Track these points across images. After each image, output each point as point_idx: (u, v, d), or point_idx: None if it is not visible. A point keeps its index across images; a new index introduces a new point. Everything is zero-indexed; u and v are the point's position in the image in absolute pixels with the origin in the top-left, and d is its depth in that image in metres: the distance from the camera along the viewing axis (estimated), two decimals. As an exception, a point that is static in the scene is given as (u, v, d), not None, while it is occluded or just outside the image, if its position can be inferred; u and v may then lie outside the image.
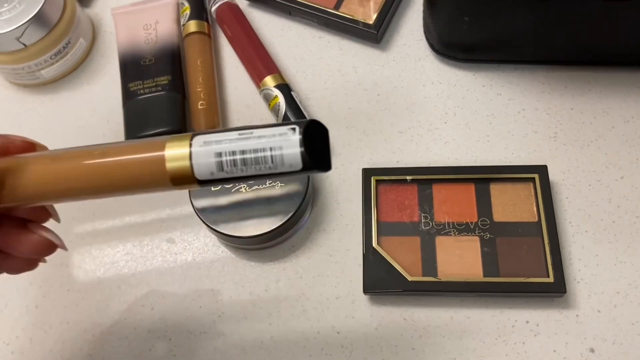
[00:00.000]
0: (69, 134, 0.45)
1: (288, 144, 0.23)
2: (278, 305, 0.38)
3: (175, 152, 0.24)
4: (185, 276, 0.39)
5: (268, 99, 0.43)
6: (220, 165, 0.23)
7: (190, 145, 0.24)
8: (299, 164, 0.23)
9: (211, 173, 0.24)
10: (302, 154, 0.23)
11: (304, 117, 0.42)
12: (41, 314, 0.39)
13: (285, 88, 0.43)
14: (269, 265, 0.39)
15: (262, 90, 0.43)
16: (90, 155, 0.25)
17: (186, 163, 0.24)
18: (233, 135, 0.24)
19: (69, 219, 0.42)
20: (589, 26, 0.39)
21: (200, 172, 0.24)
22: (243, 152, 0.23)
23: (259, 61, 0.45)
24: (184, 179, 0.24)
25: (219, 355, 0.37)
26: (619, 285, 0.37)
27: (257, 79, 0.44)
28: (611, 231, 0.38)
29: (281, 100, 0.42)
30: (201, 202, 0.38)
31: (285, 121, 0.26)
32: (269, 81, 0.43)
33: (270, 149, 0.23)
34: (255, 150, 0.23)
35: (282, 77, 0.44)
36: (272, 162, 0.23)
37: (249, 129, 0.24)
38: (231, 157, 0.23)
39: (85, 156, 0.25)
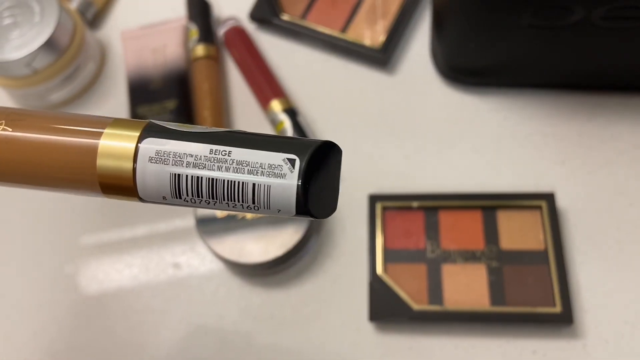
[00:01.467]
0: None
1: (279, 183, 0.17)
2: (283, 332, 0.38)
3: (114, 145, 0.16)
4: (190, 301, 0.40)
5: (275, 123, 0.43)
6: (177, 191, 0.17)
7: (139, 140, 0.16)
8: (291, 210, 0.17)
9: (163, 197, 0.17)
10: (297, 199, 0.17)
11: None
12: (48, 340, 0.39)
13: (291, 112, 0.43)
14: (274, 292, 0.39)
15: (269, 114, 0.44)
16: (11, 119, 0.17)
17: (127, 165, 0.17)
18: (201, 150, 0.17)
19: (76, 243, 0.42)
20: (596, 52, 0.39)
21: (145, 193, 0.17)
22: (212, 180, 0.17)
23: (266, 85, 0.45)
24: (121, 188, 0.17)
25: (223, 383, 0.37)
26: (627, 314, 0.36)
27: (264, 102, 0.45)
28: (620, 259, 0.38)
29: (287, 124, 0.43)
30: (206, 228, 0.38)
31: (283, 137, 0.19)
32: (275, 105, 0.44)
33: (253, 185, 0.17)
34: (231, 183, 0.17)
35: (288, 101, 0.44)
36: (254, 201, 0.17)
37: (232, 140, 0.17)
38: (193, 185, 0.17)
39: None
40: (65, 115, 0.18)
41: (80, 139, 0.16)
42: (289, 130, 0.42)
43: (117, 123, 0.17)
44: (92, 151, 0.16)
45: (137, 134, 0.17)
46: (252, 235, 0.38)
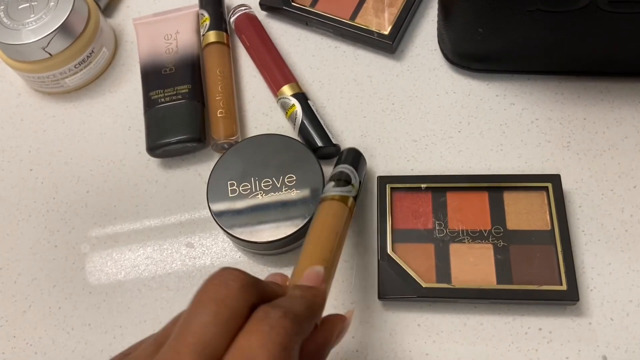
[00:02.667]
0: (91, 141, 0.46)
1: None
2: (294, 309, 0.39)
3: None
4: (203, 280, 0.40)
5: (285, 107, 0.44)
6: None
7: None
8: None
9: None
10: None
11: (320, 126, 0.43)
12: (64, 316, 0.40)
13: (302, 97, 0.44)
14: (285, 270, 0.40)
15: (279, 99, 0.44)
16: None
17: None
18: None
19: (91, 223, 0.43)
20: (602, 37, 0.39)
21: None
22: None
23: (276, 70, 0.46)
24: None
25: None
26: (631, 293, 0.37)
27: (275, 87, 0.45)
28: (624, 240, 0.39)
29: (298, 109, 0.43)
30: (218, 207, 0.39)
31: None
32: (286, 90, 0.44)
33: None
34: None
35: (298, 86, 0.45)
36: None
37: None
38: None
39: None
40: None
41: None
42: (299, 114, 0.43)
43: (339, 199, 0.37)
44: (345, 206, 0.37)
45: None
46: (263, 215, 0.38)
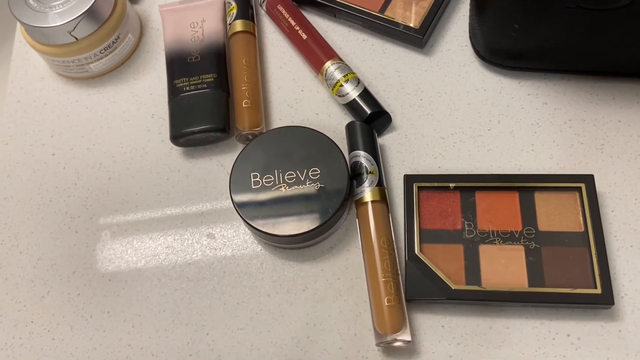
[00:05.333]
0: (114, 127, 0.46)
1: None
2: (315, 305, 0.38)
3: None
4: (224, 271, 0.40)
5: (334, 79, 0.43)
6: None
7: None
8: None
9: None
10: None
11: (372, 95, 0.43)
12: (82, 303, 0.40)
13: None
14: (307, 265, 0.40)
15: (329, 67, 0.43)
16: None
17: None
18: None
19: (112, 210, 0.43)
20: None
21: None
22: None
23: (318, 46, 0.45)
24: None
25: (255, 352, 0.37)
26: (664, 302, 0.36)
27: (317, 63, 0.44)
28: (658, 247, 0.37)
29: (345, 82, 0.43)
30: (241, 198, 0.38)
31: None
32: (331, 64, 0.44)
33: None
34: None
35: (342, 61, 0.44)
36: None
37: None
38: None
39: None
40: None
41: None
42: (348, 87, 0.43)
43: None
44: None
45: None
46: (286, 208, 0.38)
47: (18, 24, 0.49)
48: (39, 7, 0.43)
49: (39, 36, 0.44)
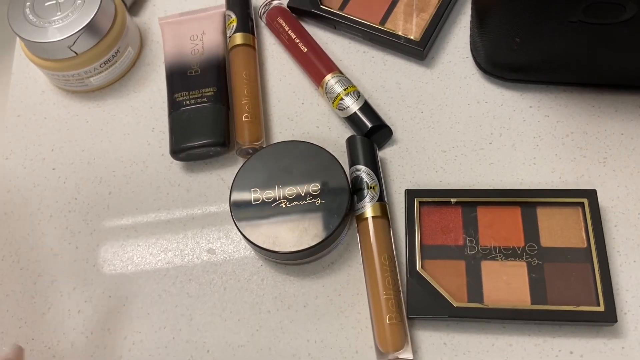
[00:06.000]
0: (115, 141, 0.46)
1: None
2: (316, 322, 0.38)
3: None
4: (224, 288, 0.40)
5: (334, 92, 0.43)
6: None
7: None
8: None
9: None
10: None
11: (372, 108, 0.43)
12: (83, 319, 0.40)
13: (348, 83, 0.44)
14: (307, 281, 0.39)
15: (329, 81, 0.43)
16: None
17: None
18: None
19: (113, 226, 0.43)
20: (644, 50, 0.38)
21: None
22: None
23: (318, 59, 0.45)
24: None
25: (256, 370, 0.37)
26: (668, 319, 0.36)
27: (317, 76, 0.44)
28: (662, 262, 0.37)
29: (345, 95, 0.43)
30: (241, 215, 0.38)
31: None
32: (331, 78, 0.44)
33: None
34: None
35: (343, 74, 0.44)
36: None
37: None
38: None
39: None
40: None
41: None
42: (348, 100, 0.43)
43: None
44: None
45: None
46: (286, 224, 0.38)
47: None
48: (38, 22, 0.43)
49: (39, 51, 0.44)
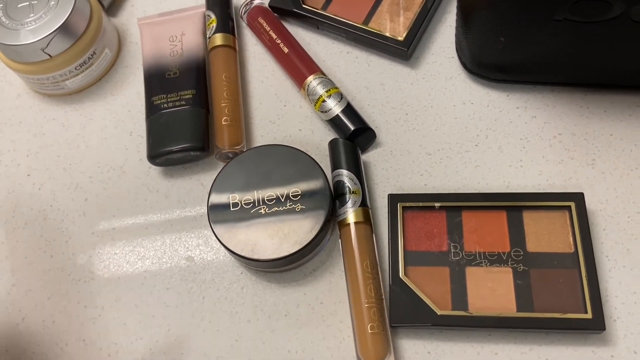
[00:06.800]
0: (92, 146, 0.45)
1: None
2: (297, 331, 0.37)
3: None
4: (203, 297, 0.39)
5: (316, 94, 0.42)
6: None
7: None
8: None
9: None
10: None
11: (355, 111, 0.42)
12: (58, 330, 0.39)
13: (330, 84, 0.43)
14: (288, 289, 0.38)
15: (310, 84, 0.42)
16: None
17: None
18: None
19: (89, 233, 0.41)
20: (632, 49, 0.37)
21: None
22: None
23: (301, 60, 0.44)
24: None
25: (235, 381, 0.36)
26: (658, 325, 0.35)
27: (299, 78, 0.43)
28: (651, 267, 0.36)
29: (327, 97, 0.41)
30: (219, 221, 0.37)
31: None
32: (313, 79, 0.43)
33: None
34: None
35: (325, 75, 0.43)
36: None
37: None
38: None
39: None
40: None
41: None
42: (331, 102, 0.42)
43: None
44: None
45: None
46: (265, 231, 0.36)
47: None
48: (10, 24, 0.42)
49: (12, 54, 0.43)
